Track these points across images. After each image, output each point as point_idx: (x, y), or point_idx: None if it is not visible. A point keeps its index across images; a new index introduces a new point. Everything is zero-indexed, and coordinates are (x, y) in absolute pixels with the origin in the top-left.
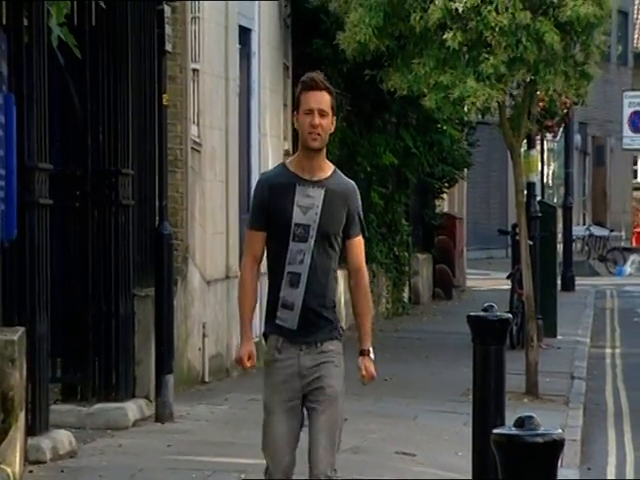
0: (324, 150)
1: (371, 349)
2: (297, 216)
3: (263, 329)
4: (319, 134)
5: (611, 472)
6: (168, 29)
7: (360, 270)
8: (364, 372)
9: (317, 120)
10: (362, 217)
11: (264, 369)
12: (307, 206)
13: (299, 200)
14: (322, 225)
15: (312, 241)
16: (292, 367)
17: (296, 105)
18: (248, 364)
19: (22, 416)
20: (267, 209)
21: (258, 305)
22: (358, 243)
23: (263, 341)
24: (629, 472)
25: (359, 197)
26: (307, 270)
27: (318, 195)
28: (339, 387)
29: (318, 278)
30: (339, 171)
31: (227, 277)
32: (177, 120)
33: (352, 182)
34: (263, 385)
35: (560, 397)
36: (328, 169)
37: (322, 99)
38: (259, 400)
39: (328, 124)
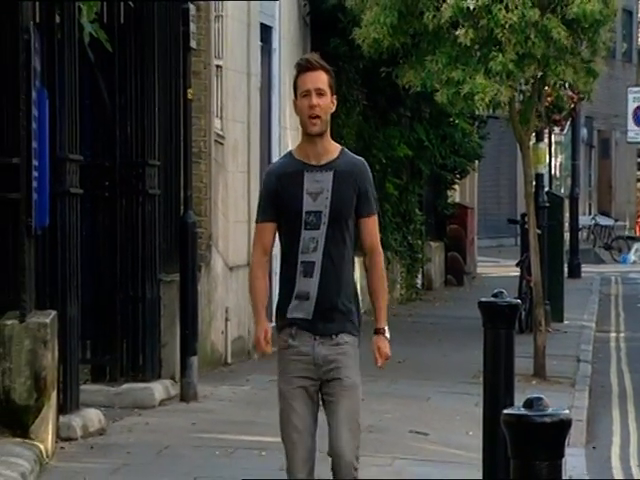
0: (327, 133)
1: (386, 328)
2: (307, 203)
3: (275, 320)
4: (318, 116)
5: (615, 451)
6: (193, 27)
7: (374, 250)
8: (378, 355)
9: (315, 100)
10: (374, 194)
11: (278, 356)
12: (317, 192)
13: (308, 187)
14: (334, 209)
15: (324, 227)
16: (307, 355)
17: (294, 91)
18: (264, 345)
19: (54, 395)
20: (277, 200)
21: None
22: (371, 222)
23: (275, 331)
24: (633, 451)
25: (369, 174)
26: (321, 258)
27: (327, 179)
28: (356, 378)
29: (333, 265)
30: (347, 150)
31: (248, 264)
32: (201, 114)
33: (361, 159)
34: (278, 372)
35: (567, 379)
36: (335, 150)
37: (318, 78)
38: None
39: (327, 103)
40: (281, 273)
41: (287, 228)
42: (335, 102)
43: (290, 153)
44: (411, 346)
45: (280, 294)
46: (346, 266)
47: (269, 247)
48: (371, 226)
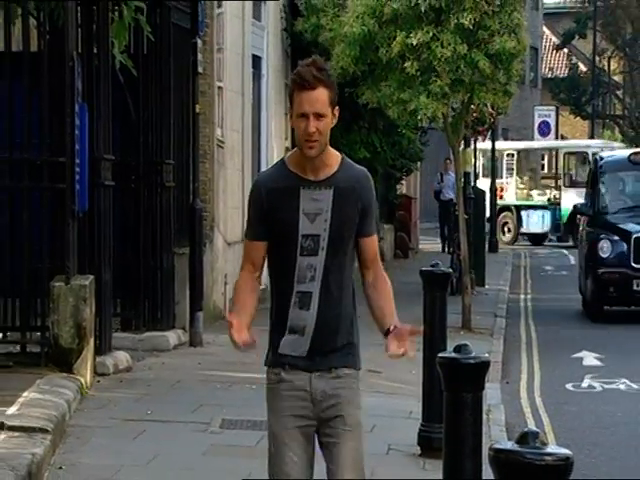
0: (327, 146)
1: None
2: (304, 226)
3: (265, 357)
4: (316, 140)
5: (523, 385)
6: (200, 56)
7: (377, 273)
8: (395, 348)
9: (312, 127)
10: (376, 211)
11: (267, 392)
12: (314, 212)
13: (305, 207)
14: (334, 233)
15: (323, 253)
16: (304, 390)
17: (290, 103)
18: (238, 335)
19: (92, 340)
20: (267, 218)
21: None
22: (372, 242)
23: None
24: (536, 385)
25: (373, 188)
26: (319, 288)
27: (326, 197)
28: (359, 416)
29: (333, 296)
30: (347, 160)
31: (243, 240)
32: (206, 124)
33: (363, 170)
34: (268, 410)
35: (487, 330)
36: (334, 162)
37: (317, 99)
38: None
39: (326, 125)
40: (272, 303)
41: (280, 253)
42: (337, 114)
43: (283, 163)
44: (366, 305)
45: (271, 327)
46: (346, 295)
47: (260, 264)
48: (372, 246)
